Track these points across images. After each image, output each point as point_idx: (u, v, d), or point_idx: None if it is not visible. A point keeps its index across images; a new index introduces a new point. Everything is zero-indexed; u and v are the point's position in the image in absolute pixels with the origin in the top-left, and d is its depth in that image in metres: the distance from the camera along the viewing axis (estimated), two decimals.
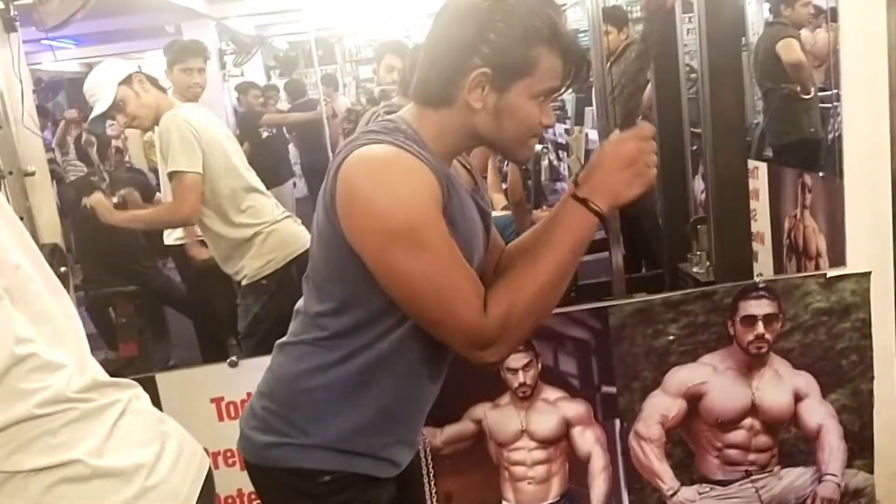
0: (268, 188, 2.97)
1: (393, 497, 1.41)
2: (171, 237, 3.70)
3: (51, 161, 4.91)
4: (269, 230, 2.75)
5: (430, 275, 1.18)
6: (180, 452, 1.16)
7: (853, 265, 2.17)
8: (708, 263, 2.47)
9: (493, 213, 4.13)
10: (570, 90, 1.31)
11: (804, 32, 4.46)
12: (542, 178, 5.04)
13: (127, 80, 2.71)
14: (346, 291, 1.27)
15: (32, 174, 2.45)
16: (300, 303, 1.39)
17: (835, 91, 2.25)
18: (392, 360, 1.30)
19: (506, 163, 4.15)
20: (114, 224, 2.88)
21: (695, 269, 2.54)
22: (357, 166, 1.18)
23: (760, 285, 2.14)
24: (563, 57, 1.22)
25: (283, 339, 1.40)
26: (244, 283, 2.76)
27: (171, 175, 2.62)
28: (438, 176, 1.20)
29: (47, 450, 0.98)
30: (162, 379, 2.05)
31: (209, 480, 1.21)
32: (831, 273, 2.16)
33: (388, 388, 1.31)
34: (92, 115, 2.79)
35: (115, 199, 2.96)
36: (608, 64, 4.02)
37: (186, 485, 1.14)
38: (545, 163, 5.00)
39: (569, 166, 3.87)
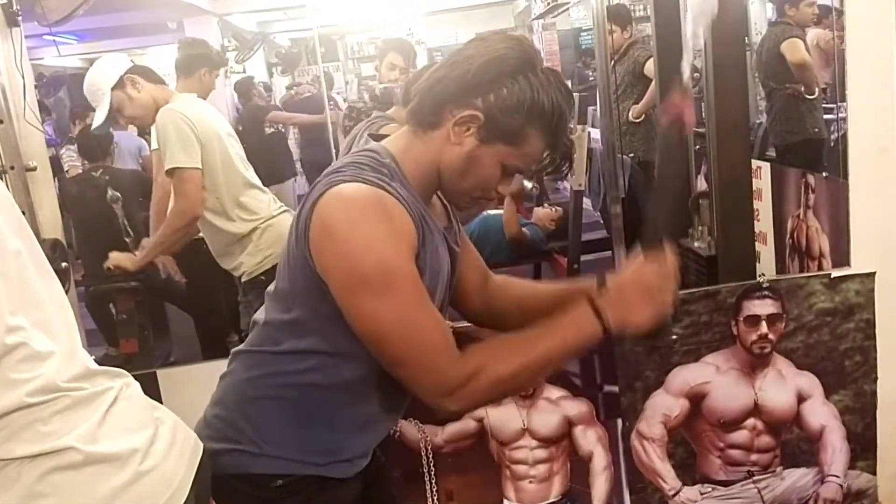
0: (270, 185, 2.95)
1: (358, 496, 1.41)
2: None
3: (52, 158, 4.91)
4: (265, 226, 2.74)
5: (400, 318, 1.18)
6: (174, 438, 1.16)
7: (858, 265, 2.16)
8: (710, 238, 2.44)
9: (493, 211, 4.10)
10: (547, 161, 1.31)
11: (817, 30, 4.44)
12: (545, 176, 5.02)
13: (119, 84, 2.69)
14: (305, 314, 1.27)
15: (34, 169, 2.45)
16: (258, 314, 1.38)
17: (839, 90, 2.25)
18: (342, 387, 1.29)
19: None
20: (143, 266, 2.90)
21: (696, 244, 2.52)
22: (335, 205, 1.17)
23: (764, 285, 2.13)
24: (548, 149, 1.25)
25: (239, 347, 1.40)
26: (244, 279, 2.76)
27: (171, 171, 2.61)
28: (415, 218, 1.19)
29: (39, 437, 0.98)
30: (163, 375, 2.05)
31: (203, 466, 1.21)
32: (836, 273, 2.15)
33: (336, 411, 1.30)
34: (93, 127, 2.83)
35: (136, 254, 2.96)
36: (612, 63, 4.02)
37: (181, 469, 1.14)
38: None
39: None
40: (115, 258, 2.88)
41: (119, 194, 3.61)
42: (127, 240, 3.35)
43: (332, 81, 7.76)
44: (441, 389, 1.22)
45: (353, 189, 1.17)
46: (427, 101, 1.24)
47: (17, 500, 0.98)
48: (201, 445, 1.24)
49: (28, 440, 0.98)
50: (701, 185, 3.34)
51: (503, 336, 1.29)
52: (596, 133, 4.25)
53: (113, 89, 2.68)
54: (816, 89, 4.33)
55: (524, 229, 4.10)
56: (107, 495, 1.03)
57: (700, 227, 2.53)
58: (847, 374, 2.19)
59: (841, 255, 2.27)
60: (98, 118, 2.73)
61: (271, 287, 1.36)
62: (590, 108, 4.22)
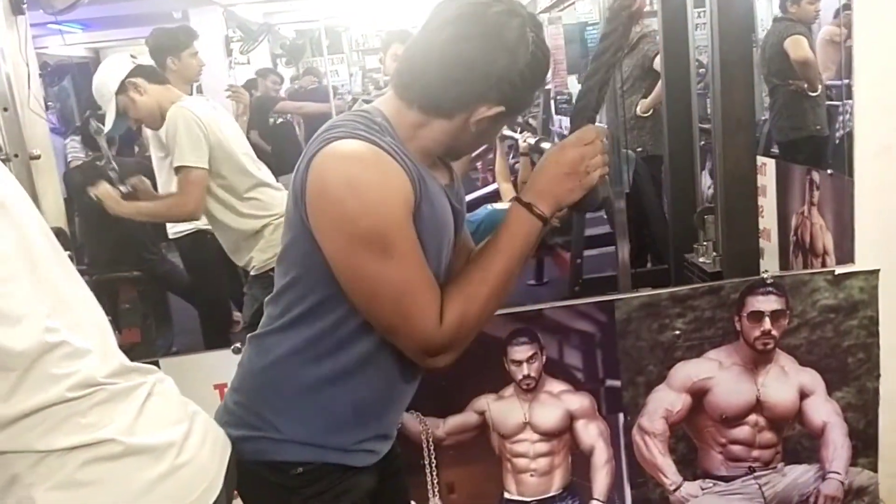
0: (279, 176, 2.95)
1: (374, 486, 1.41)
2: (174, 230, 3.70)
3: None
4: (277, 222, 2.74)
5: (392, 281, 1.18)
6: (206, 433, 1.19)
7: (862, 262, 2.16)
8: (715, 254, 2.44)
9: (500, 206, 4.11)
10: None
11: (830, 27, 4.42)
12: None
13: (121, 89, 2.71)
14: (307, 278, 1.27)
15: (38, 157, 2.45)
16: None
17: (845, 83, 2.24)
18: (356, 356, 1.29)
19: (515, 158, 4.14)
20: (120, 215, 2.87)
21: (701, 260, 2.51)
22: (330, 163, 1.16)
23: (768, 281, 2.13)
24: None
25: (254, 332, 1.40)
26: (252, 273, 2.76)
27: (178, 169, 2.63)
28: (410, 173, 1.19)
29: (78, 429, 1.00)
30: (166, 364, 2.04)
31: (231, 465, 1.23)
32: (840, 270, 2.15)
33: (356, 386, 1.31)
34: (105, 131, 2.86)
35: (122, 189, 2.92)
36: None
37: (214, 464, 1.17)
38: None
39: None
40: (104, 191, 2.84)
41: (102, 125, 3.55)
42: (112, 173, 3.27)
43: (320, 75, 7.68)
44: (430, 351, 1.24)
45: (347, 145, 1.16)
46: (446, 98, 1.23)
47: (57, 488, 1.00)
48: (230, 444, 1.26)
49: (68, 432, 1.00)
50: (706, 180, 3.33)
51: (464, 274, 1.28)
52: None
53: (117, 94, 2.70)
54: (819, 86, 4.32)
55: None
56: (144, 487, 1.05)
57: (705, 243, 2.52)
58: (850, 371, 2.19)
59: (845, 253, 2.27)
60: (108, 123, 2.77)
61: (277, 257, 1.36)
62: None
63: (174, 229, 3.61)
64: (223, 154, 2.67)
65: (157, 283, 3.76)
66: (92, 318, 1.11)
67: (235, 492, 1.33)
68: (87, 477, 1.01)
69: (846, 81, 2.24)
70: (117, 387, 1.06)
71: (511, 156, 6.33)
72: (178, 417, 1.15)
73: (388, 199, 1.16)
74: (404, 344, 1.25)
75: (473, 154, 1.44)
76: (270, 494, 1.36)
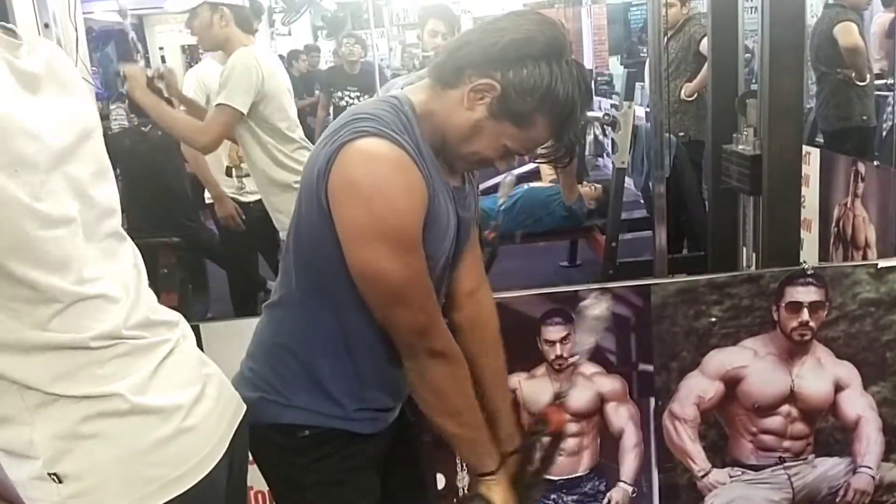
0: None
1: (384, 452, 1.45)
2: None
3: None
4: None
5: (401, 272, 1.23)
6: (218, 397, 1.19)
7: None
8: (755, 139, 2.39)
9: (537, 184, 4.05)
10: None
11: (884, 15, 4.34)
12: (586, 152, 4.99)
13: (213, 7, 2.71)
14: (314, 255, 1.30)
15: None
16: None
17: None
18: (349, 338, 1.33)
19: None
20: (140, 104, 2.79)
21: (741, 147, 2.45)
22: (360, 160, 1.20)
23: (809, 271, 2.11)
24: (552, 139, 1.29)
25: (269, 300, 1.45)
26: (284, 238, 2.79)
27: (217, 105, 2.66)
28: (426, 176, 1.24)
29: (93, 379, 1.00)
30: (206, 329, 2.08)
31: (242, 428, 1.24)
32: (883, 263, 2.12)
33: (346, 366, 1.35)
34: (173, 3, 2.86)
35: (149, 72, 2.88)
36: (665, 38, 3.95)
37: (221, 430, 1.17)
38: (590, 137, 4.94)
39: (613, 140, 3.83)
40: (133, 71, 2.76)
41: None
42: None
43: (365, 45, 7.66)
44: (417, 329, 1.29)
45: (377, 146, 1.20)
46: (450, 61, 1.27)
47: (58, 436, 0.99)
48: (244, 407, 1.27)
49: (82, 380, 1.00)
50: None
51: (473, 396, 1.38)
52: (640, 110, 4.19)
53: (206, 2, 2.70)
54: (867, 76, 4.24)
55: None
56: (145, 448, 1.04)
57: (745, 130, 2.45)
58: (887, 366, 2.16)
59: (888, 246, 2.24)
60: (183, 3, 2.76)
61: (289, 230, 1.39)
62: (637, 84, 4.17)
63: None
64: (281, 105, 2.72)
65: (196, 250, 3.82)
66: (131, 264, 1.13)
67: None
68: (89, 430, 1.00)
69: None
70: (141, 342, 1.06)
71: None
72: (191, 379, 1.14)
73: (414, 204, 1.22)
74: (398, 328, 1.29)
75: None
76: (279, 456, 1.40)
